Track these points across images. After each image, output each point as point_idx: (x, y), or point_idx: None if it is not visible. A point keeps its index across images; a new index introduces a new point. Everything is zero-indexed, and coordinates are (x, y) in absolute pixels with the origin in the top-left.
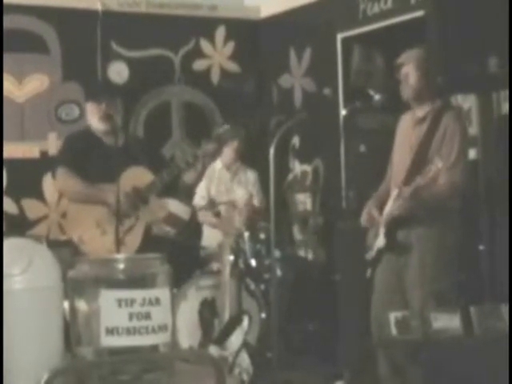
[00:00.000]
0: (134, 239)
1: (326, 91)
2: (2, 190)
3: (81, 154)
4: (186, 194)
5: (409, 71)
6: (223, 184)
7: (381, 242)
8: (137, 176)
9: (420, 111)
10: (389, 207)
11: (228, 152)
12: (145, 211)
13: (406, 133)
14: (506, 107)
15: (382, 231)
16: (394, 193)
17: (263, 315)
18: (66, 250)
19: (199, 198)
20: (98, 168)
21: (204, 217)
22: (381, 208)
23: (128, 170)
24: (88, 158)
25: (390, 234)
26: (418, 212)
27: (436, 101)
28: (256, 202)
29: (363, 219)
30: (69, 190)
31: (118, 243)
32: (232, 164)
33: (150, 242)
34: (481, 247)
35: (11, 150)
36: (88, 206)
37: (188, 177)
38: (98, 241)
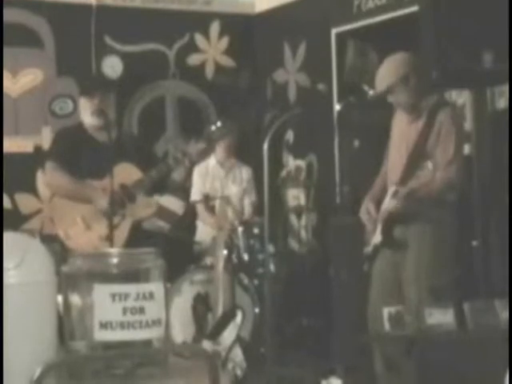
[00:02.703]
0: (120, 235)
1: (321, 86)
2: (1, 188)
3: (70, 149)
4: (177, 191)
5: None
6: (218, 180)
7: (377, 238)
8: (125, 173)
9: (416, 109)
10: (386, 204)
11: (222, 149)
12: (131, 209)
13: (402, 129)
14: (500, 103)
15: (378, 227)
16: (391, 190)
17: (257, 310)
18: (59, 245)
19: (196, 193)
20: (87, 163)
21: (201, 212)
22: (377, 204)
23: (117, 166)
24: (78, 154)
25: (386, 231)
26: (414, 209)
27: (431, 97)
28: (250, 197)
29: (362, 215)
30: (55, 185)
31: (112, 238)
32: (225, 161)
33: (137, 238)
34: (474, 243)
35: (5, 145)
36: (74, 202)
37: (177, 174)
38: (83, 236)
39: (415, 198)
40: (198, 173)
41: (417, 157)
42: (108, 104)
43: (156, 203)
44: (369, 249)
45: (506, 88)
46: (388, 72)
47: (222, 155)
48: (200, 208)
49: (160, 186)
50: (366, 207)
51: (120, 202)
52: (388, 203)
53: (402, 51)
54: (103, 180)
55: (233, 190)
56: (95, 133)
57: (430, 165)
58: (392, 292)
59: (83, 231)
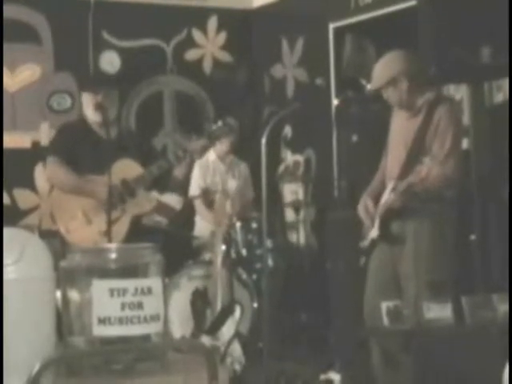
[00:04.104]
0: (120, 230)
1: (318, 81)
2: (1, 183)
3: (73, 144)
4: (177, 187)
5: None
6: (218, 175)
7: (375, 232)
8: (126, 168)
9: (414, 106)
10: (384, 199)
11: (222, 145)
12: (131, 204)
13: (401, 125)
14: (498, 97)
15: (376, 222)
16: (390, 185)
17: (255, 305)
18: (57, 240)
19: (194, 188)
20: (88, 159)
21: (199, 207)
22: (376, 200)
23: (118, 162)
24: (80, 149)
25: (384, 225)
26: (412, 204)
27: (429, 92)
28: (248, 192)
29: (359, 211)
30: (57, 179)
31: (110, 234)
32: (226, 156)
33: (137, 234)
34: (472, 237)
35: (3, 140)
36: (75, 196)
37: (178, 171)
38: (84, 231)
39: (413, 193)
40: (197, 167)
41: (416, 152)
42: (111, 100)
43: (156, 198)
44: (365, 243)
45: (504, 82)
46: (380, 71)
47: (222, 151)
48: (198, 203)
49: (161, 182)
50: (364, 204)
51: (120, 197)
52: (387, 198)
53: (399, 47)
54: (105, 175)
55: (233, 185)
56: (98, 128)
57: (427, 160)
58: (389, 286)
59: (84, 225)
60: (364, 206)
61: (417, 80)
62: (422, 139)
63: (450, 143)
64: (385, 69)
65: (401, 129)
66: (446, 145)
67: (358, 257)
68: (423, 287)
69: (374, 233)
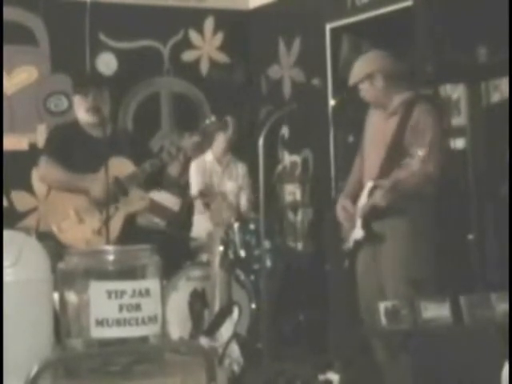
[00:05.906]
0: (113, 229)
1: (315, 81)
2: (1, 185)
3: (65, 145)
4: (173, 186)
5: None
6: (214, 176)
7: (358, 233)
8: (119, 167)
9: (390, 105)
10: (364, 199)
11: (219, 145)
12: (124, 202)
13: (379, 126)
14: (495, 97)
15: (358, 223)
16: (369, 185)
17: (253, 306)
18: (54, 242)
19: (194, 188)
20: (81, 158)
21: (199, 208)
22: (353, 201)
23: (110, 160)
24: (72, 149)
25: (366, 226)
26: (394, 203)
27: (406, 92)
28: (246, 193)
29: (338, 213)
30: (50, 177)
31: (108, 234)
32: (223, 157)
33: (131, 233)
34: (470, 236)
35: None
36: (67, 195)
37: (172, 169)
38: (76, 229)
39: (396, 192)
40: (194, 168)
41: (395, 152)
42: (103, 101)
43: (149, 197)
44: (349, 245)
45: (501, 82)
46: (357, 68)
47: (219, 151)
48: (198, 203)
49: (155, 181)
50: (342, 205)
51: (113, 195)
52: (367, 197)
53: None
54: (97, 174)
55: (229, 186)
56: (90, 129)
57: (417, 153)
58: (380, 287)
59: (76, 225)
60: (342, 207)
61: (393, 79)
62: (401, 139)
63: (430, 142)
64: (361, 66)
65: (379, 128)
66: (426, 144)
67: (343, 258)
68: (411, 286)
69: (357, 234)
